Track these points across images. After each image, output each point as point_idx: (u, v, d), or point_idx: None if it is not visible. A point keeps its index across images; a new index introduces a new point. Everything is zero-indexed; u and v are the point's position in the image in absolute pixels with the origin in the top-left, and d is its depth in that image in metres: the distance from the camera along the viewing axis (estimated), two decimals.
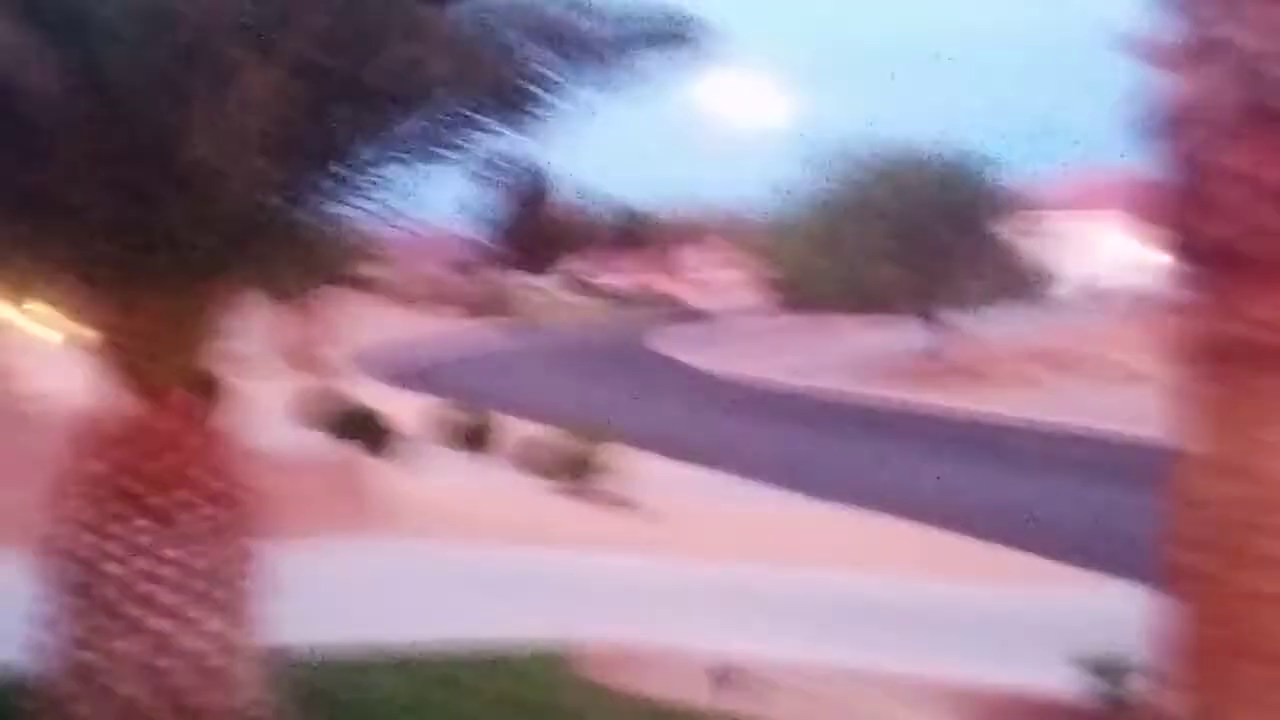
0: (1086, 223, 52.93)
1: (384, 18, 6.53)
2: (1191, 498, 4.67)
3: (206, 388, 7.42)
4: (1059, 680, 9.55)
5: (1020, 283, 48.10)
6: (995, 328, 46.68)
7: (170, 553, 7.12)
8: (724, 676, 8.50)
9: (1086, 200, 53.31)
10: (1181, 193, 4.65)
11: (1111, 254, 43.61)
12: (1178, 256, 4.79)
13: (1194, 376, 4.72)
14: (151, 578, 7.10)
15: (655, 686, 9.02)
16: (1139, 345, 34.84)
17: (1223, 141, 4.51)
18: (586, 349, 59.25)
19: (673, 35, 7.60)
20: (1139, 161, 4.88)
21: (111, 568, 7.08)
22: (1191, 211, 4.62)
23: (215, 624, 7.21)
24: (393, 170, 7.39)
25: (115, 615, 7.07)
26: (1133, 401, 29.73)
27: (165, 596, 7.10)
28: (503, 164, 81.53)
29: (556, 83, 7.35)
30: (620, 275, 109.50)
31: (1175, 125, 4.64)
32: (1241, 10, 4.51)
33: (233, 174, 6.33)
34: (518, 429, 25.60)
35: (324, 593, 11.63)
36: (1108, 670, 9.20)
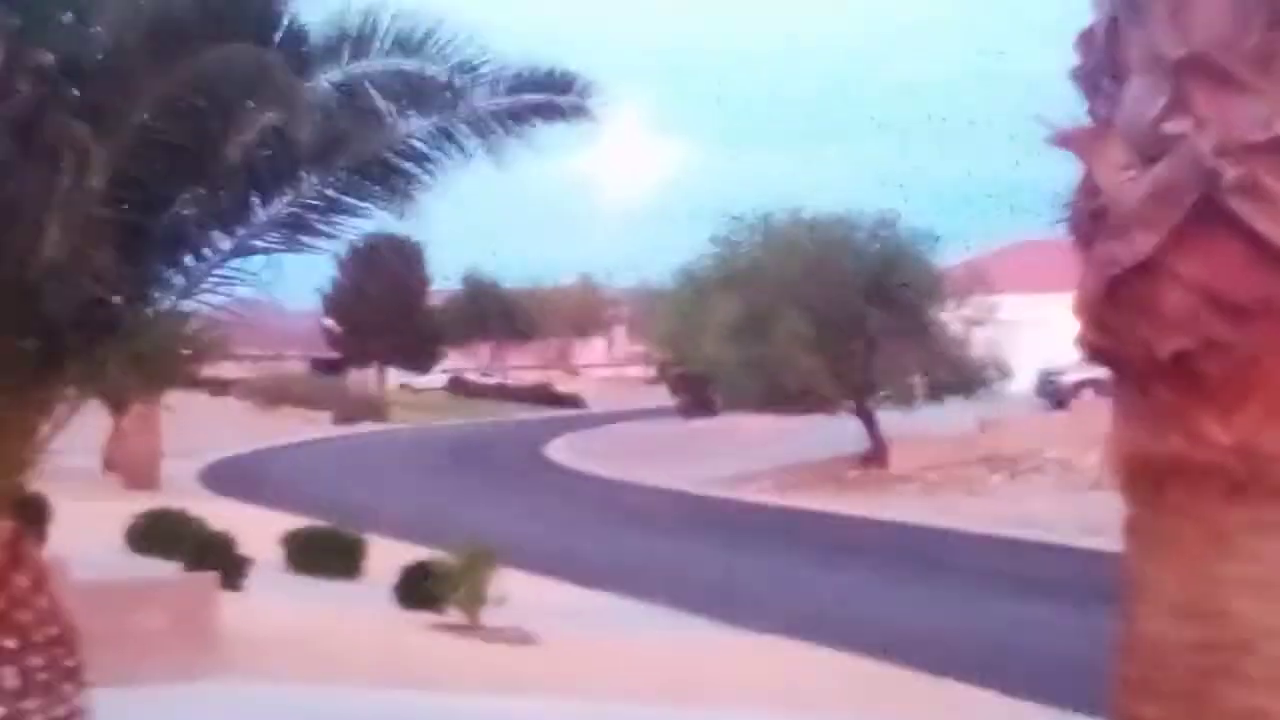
0: (1039, 304, 53.21)
1: (243, 85, 6.46)
2: (1146, 640, 4.69)
3: (33, 513, 7.32)
4: None
5: (964, 374, 48.21)
6: (937, 426, 46.85)
7: None
8: None
9: (1039, 279, 53.58)
10: (1124, 297, 4.72)
11: (1069, 340, 43.97)
12: (1120, 366, 4.87)
13: (1142, 502, 4.79)
14: None
15: None
16: (1100, 446, 35.07)
17: (1172, 245, 4.59)
18: (472, 457, 58.99)
19: (564, 101, 7.68)
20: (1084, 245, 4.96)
21: None
22: (1134, 318, 4.70)
23: None
24: (250, 259, 7.37)
25: None
26: (1092, 509, 29.94)
27: None
28: (373, 247, 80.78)
29: (434, 156, 7.38)
30: (510, 371, 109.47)
31: (1120, 225, 4.72)
32: (1195, 103, 4.61)
33: (64, 268, 6.23)
34: (392, 550, 25.40)
35: None
36: None
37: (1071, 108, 5.12)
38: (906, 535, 35.27)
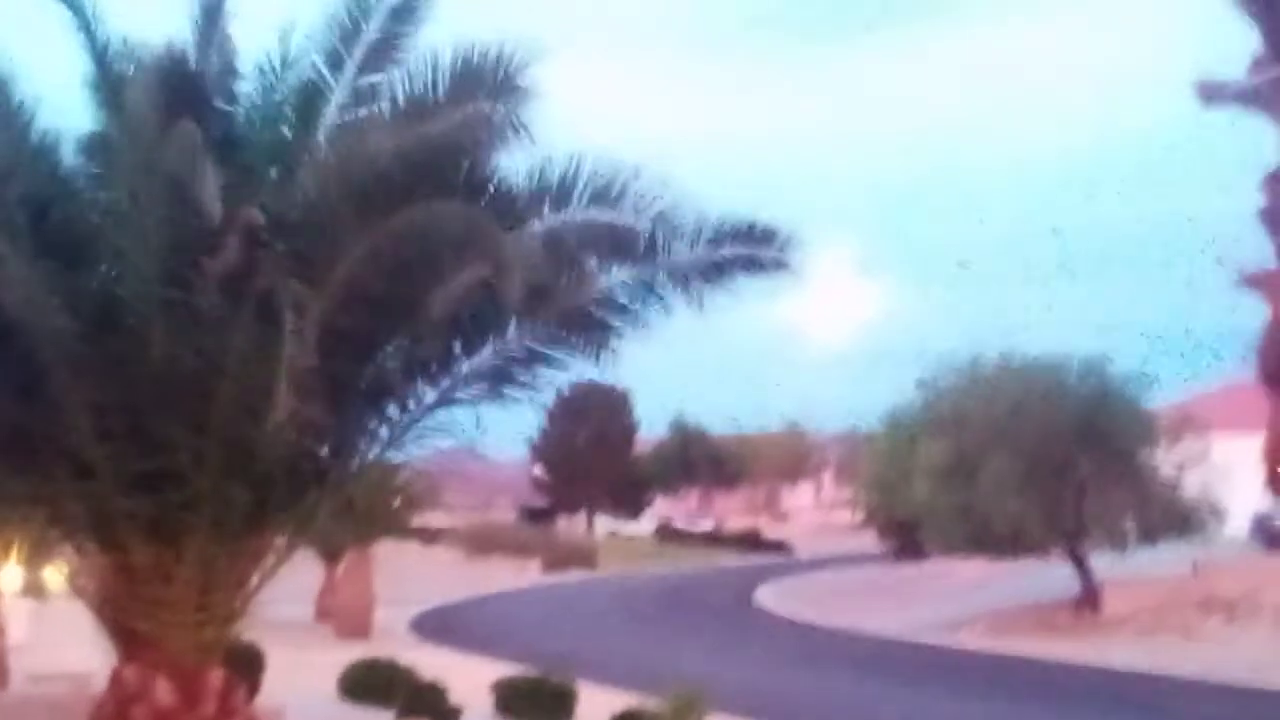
0: (1252, 447, 52.09)
1: (450, 240, 6.45)
2: None
3: (246, 663, 7.34)
4: None
5: (1177, 516, 47.23)
6: (1150, 569, 45.93)
7: None
8: None
9: (1250, 421, 52.52)
10: None
11: None
12: None
13: None
14: None
15: None
16: None
17: None
18: (682, 603, 58.82)
19: (765, 256, 7.63)
20: None
21: None
22: None
23: None
24: (456, 410, 7.37)
25: None
26: None
27: None
28: (579, 397, 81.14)
29: (635, 307, 7.36)
30: (717, 517, 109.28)
31: None
32: None
33: (274, 420, 6.21)
34: (602, 697, 25.29)
35: None
36: None
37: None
38: (1121, 682, 34.44)
